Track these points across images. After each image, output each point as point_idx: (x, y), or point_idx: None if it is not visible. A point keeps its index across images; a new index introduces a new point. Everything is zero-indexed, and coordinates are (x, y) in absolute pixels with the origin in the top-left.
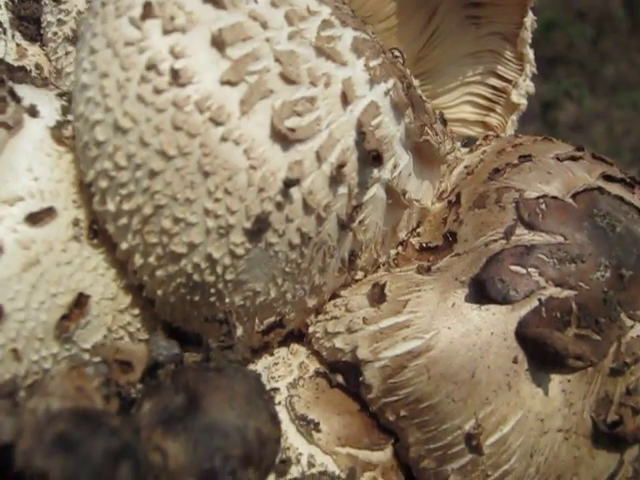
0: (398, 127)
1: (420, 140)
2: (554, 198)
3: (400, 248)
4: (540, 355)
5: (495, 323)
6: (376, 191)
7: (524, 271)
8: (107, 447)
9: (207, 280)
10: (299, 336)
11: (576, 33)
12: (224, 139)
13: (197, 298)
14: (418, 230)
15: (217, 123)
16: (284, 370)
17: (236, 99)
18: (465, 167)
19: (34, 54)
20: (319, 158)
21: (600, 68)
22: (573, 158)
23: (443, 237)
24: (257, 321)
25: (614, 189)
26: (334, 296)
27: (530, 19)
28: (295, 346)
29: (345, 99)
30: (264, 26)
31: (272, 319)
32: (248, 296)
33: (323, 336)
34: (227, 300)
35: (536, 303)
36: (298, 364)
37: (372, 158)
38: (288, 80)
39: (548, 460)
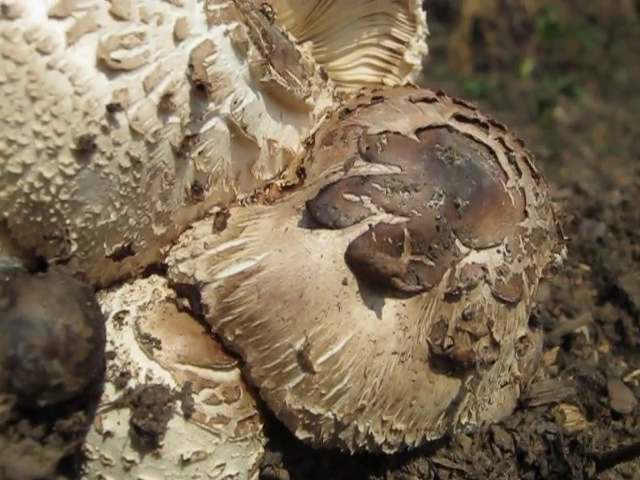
0: (240, 66)
1: (264, 80)
2: (396, 133)
3: (266, 190)
4: (368, 277)
5: (324, 246)
6: (215, 124)
7: (357, 199)
8: None
9: (44, 200)
10: (162, 270)
11: (587, 38)
12: (50, 67)
13: (39, 219)
14: (284, 173)
15: (43, 53)
16: (138, 296)
17: (62, 31)
18: (328, 112)
19: None
20: (146, 88)
21: (612, 73)
22: (426, 100)
23: (296, 174)
24: (105, 245)
25: (465, 128)
26: (189, 228)
27: None
28: (155, 277)
29: (177, 36)
30: None
31: (120, 244)
32: (88, 218)
33: (173, 264)
34: (68, 221)
35: (366, 228)
36: (152, 291)
37: (196, 87)
38: (117, 17)
39: (384, 382)
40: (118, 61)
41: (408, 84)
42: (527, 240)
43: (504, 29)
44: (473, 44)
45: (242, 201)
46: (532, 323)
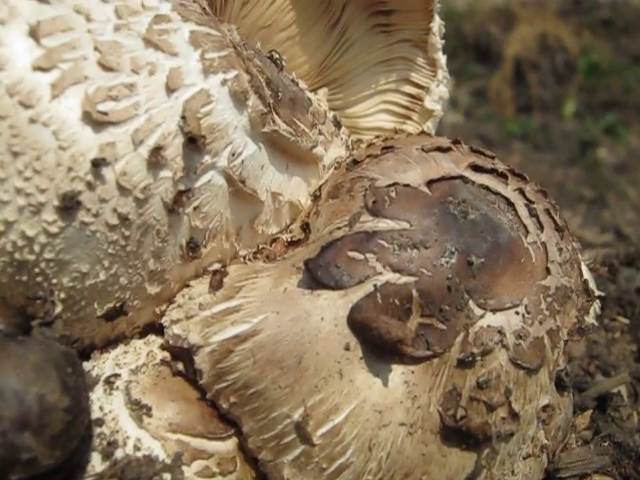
0: (239, 116)
1: (265, 130)
2: (406, 186)
3: (272, 245)
4: (372, 342)
5: (325, 308)
6: (211, 178)
7: (362, 257)
8: None
9: (28, 259)
10: (160, 329)
11: (631, 77)
12: (33, 121)
13: (25, 278)
14: (291, 227)
15: (26, 106)
16: (132, 358)
17: (47, 83)
18: (337, 162)
19: None
20: (134, 141)
21: None
22: (440, 149)
23: (301, 229)
24: (96, 305)
25: (482, 179)
26: (186, 286)
27: (437, 24)
28: (152, 337)
29: (170, 86)
30: (88, 19)
31: (111, 304)
32: (76, 277)
33: (169, 324)
34: (54, 280)
35: (371, 289)
36: (147, 352)
37: (188, 140)
38: (106, 67)
39: (391, 455)
40: (105, 113)
41: (423, 132)
42: (549, 300)
43: (546, 70)
44: (515, 85)
45: (245, 257)
46: (560, 387)
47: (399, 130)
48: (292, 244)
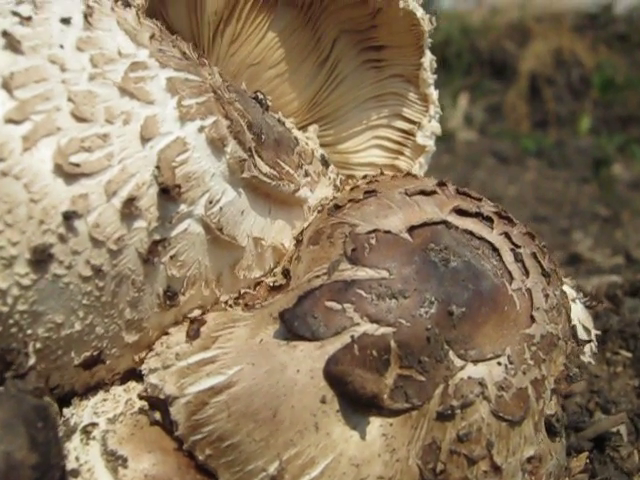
0: (217, 163)
1: (245, 176)
2: (387, 232)
3: (256, 289)
4: (348, 395)
5: (302, 360)
6: (188, 226)
7: (339, 307)
8: None
9: (1, 310)
10: (141, 376)
11: None
12: (4, 174)
13: (0, 329)
14: (275, 270)
15: None
16: (110, 406)
17: (19, 136)
18: (321, 205)
19: None
20: (107, 192)
21: None
22: (424, 192)
23: (282, 275)
24: (73, 354)
25: (466, 224)
26: (165, 333)
27: (429, 59)
28: (133, 384)
29: (144, 135)
30: (62, 68)
31: (88, 353)
32: (51, 327)
33: (147, 373)
34: (29, 331)
35: (348, 340)
36: (125, 400)
37: (161, 191)
38: (79, 118)
39: None
40: (77, 165)
41: (408, 174)
42: (534, 349)
43: (562, 85)
44: (530, 101)
45: (226, 302)
46: (552, 432)
47: (392, 166)
48: (274, 289)
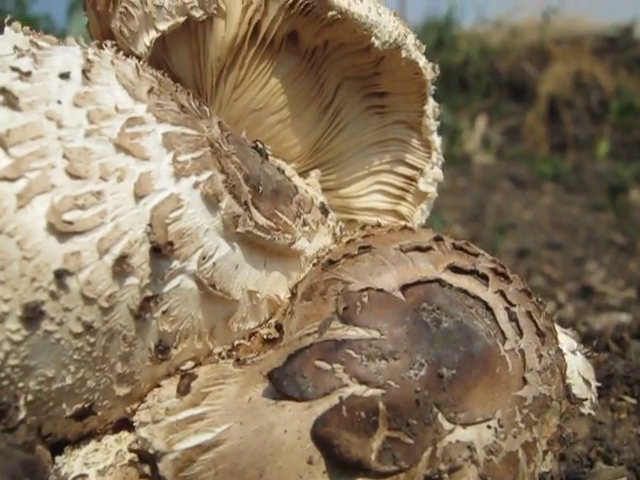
0: (211, 219)
1: (238, 231)
2: (379, 291)
3: (250, 340)
4: (335, 457)
5: (289, 420)
6: (180, 282)
7: (329, 367)
8: None
9: None
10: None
11: None
12: None
13: None
14: (270, 321)
15: None
16: (101, 457)
17: (13, 194)
18: (317, 258)
19: None
20: (100, 250)
21: None
22: (420, 249)
23: (276, 329)
24: (64, 406)
25: (461, 281)
26: (158, 386)
27: (432, 107)
28: (124, 434)
29: (138, 192)
30: (59, 125)
31: (80, 405)
32: (42, 381)
33: (138, 426)
34: (21, 384)
35: (336, 401)
36: (116, 452)
37: (152, 249)
38: (74, 176)
39: None
40: (70, 223)
41: (405, 227)
42: (526, 411)
43: (581, 108)
44: (549, 123)
45: (220, 354)
46: None
47: (394, 211)
48: (268, 342)
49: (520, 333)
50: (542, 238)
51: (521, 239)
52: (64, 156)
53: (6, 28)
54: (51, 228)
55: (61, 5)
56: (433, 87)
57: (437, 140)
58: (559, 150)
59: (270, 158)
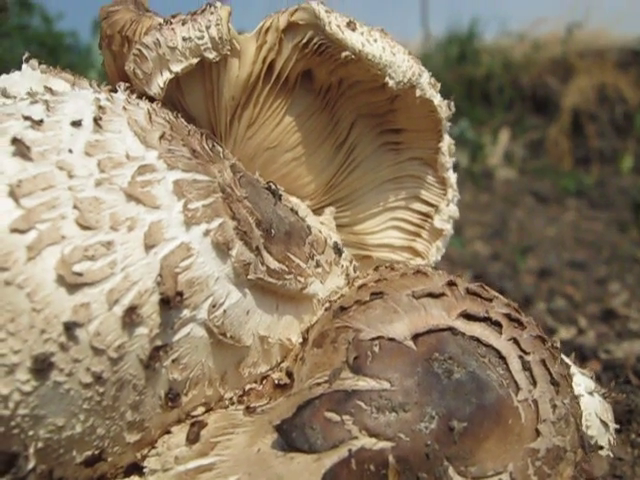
0: (222, 266)
1: (249, 278)
2: (391, 340)
3: (261, 383)
4: None
5: (298, 473)
6: (190, 331)
7: (338, 418)
8: None
9: (3, 414)
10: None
11: None
12: (8, 283)
13: (2, 429)
14: (282, 365)
15: (3, 269)
16: None
17: (23, 246)
18: (329, 302)
19: None
20: (109, 301)
21: None
22: (432, 295)
23: (287, 375)
24: (74, 453)
25: (473, 329)
26: (168, 431)
27: (447, 143)
28: (135, 478)
29: (148, 242)
30: (70, 175)
31: (90, 452)
32: (52, 430)
33: (147, 472)
34: (31, 433)
35: (345, 454)
36: None
37: (161, 300)
38: (84, 226)
39: None
40: (80, 274)
41: (418, 271)
42: (538, 464)
43: (605, 121)
44: (573, 137)
45: (230, 399)
46: None
47: (409, 247)
48: (279, 387)
49: (534, 382)
50: (565, 256)
51: (543, 257)
52: (75, 206)
53: (24, 66)
54: (61, 280)
55: (86, 21)
56: (448, 124)
57: (453, 177)
58: (583, 164)
59: (284, 197)
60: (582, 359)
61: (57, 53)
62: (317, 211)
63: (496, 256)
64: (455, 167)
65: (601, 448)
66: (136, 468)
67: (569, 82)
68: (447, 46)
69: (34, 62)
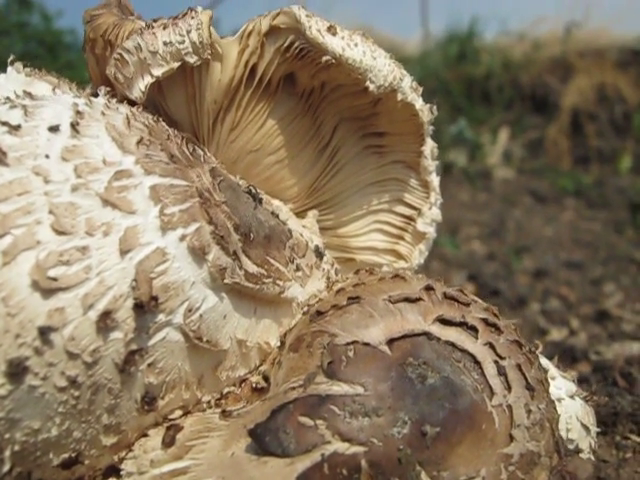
0: (198, 271)
1: (225, 283)
2: (366, 345)
3: (240, 387)
4: None
5: (271, 477)
6: (166, 335)
7: (312, 423)
8: None
9: None
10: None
11: None
12: None
13: None
14: (260, 369)
15: None
16: None
17: None
18: (308, 305)
19: None
20: (84, 305)
21: None
22: (408, 300)
23: (263, 379)
24: (51, 456)
25: (449, 334)
26: (145, 434)
27: (429, 147)
28: None
29: (123, 247)
30: (46, 180)
31: (67, 455)
32: (28, 433)
33: (124, 475)
34: (7, 436)
35: (318, 458)
36: None
37: (136, 305)
38: (59, 231)
39: None
40: (55, 279)
41: (396, 275)
42: (512, 469)
43: (604, 121)
44: (572, 136)
45: (208, 402)
46: None
47: (393, 250)
48: (257, 390)
49: (509, 387)
50: (561, 256)
51: (540, 257)
52: (50, 211)
53: (9, 69)
54: (35, 285)
55: None
56: (431, 127)
57: (435, 180)
58: (582, 163)
59: (265, 201)
60: (573, 360)
61: (56, 51)
62: (300, 214)
63: (492, 256)
64: (451, 167)
65: (580, 451)
66: (114, 470)
67: (568, 81)
68: (447, 45)
69: (19, 65)
